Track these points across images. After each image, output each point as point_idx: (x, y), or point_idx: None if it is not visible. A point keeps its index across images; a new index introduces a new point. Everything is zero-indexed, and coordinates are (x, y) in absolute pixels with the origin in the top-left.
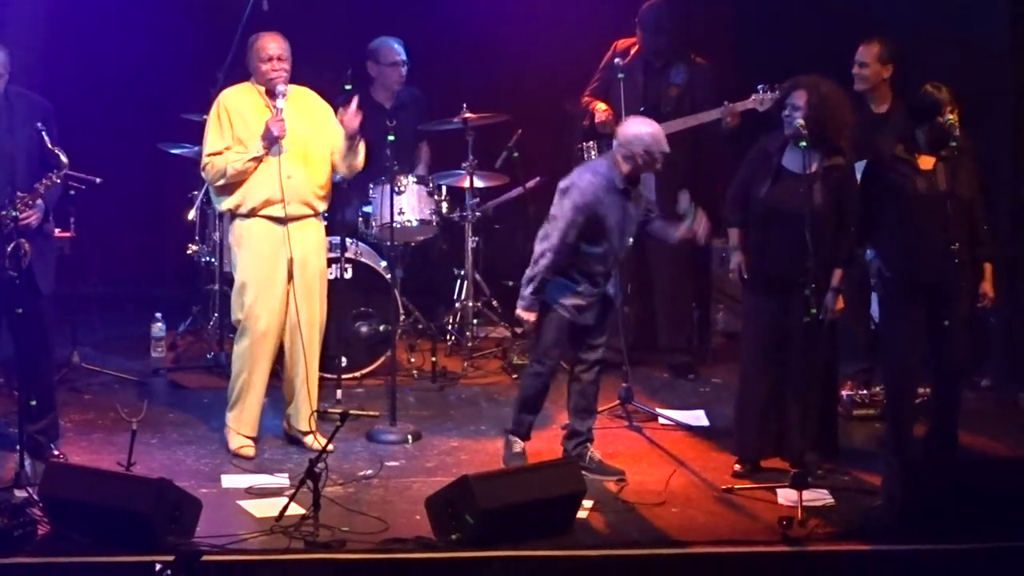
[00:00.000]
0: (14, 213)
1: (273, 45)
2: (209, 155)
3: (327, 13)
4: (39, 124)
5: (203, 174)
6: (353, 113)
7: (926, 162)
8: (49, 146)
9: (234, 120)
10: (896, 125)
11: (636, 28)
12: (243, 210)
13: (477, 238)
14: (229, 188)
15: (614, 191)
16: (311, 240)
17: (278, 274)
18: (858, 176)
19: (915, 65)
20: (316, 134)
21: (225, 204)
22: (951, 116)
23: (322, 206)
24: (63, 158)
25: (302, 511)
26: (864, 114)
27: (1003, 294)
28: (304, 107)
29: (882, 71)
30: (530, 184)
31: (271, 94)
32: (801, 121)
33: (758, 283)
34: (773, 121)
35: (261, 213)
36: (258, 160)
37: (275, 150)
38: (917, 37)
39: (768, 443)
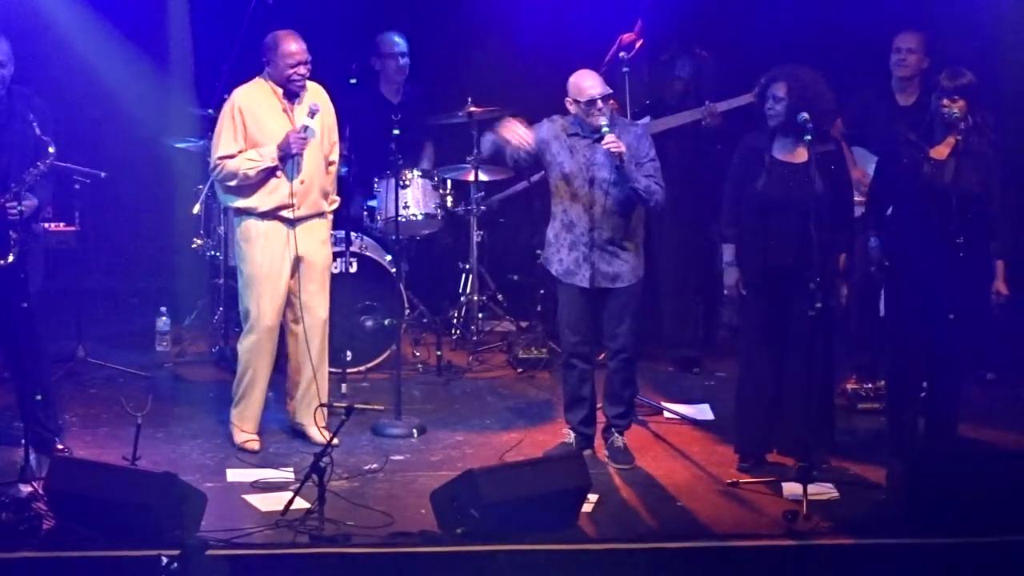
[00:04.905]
0: (0, 200)
1: (300, 49)
2: (221, 157)
3: (332, 7)
4: (30, 115)
5: (213, 174)
6: (297, 137)
7: (939, 152)
8: (37, 133)
9: (248, 121)
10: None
11: (639, 22)
12: (254, 211)
13: (482, 232)
14: (240, 190)
15: (567, 135)
16: (316, 237)
17: (284, 270)
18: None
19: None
20: (327, 135)
21: (235, 204)
22: (954, 105)
23: (327, 207)
24: (50, 147)
25: (307, 505)
26: (890, 106)
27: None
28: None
29: (922, 61)
30: (535, 178)
31: (289, 95)
32: (806, 115)
33: (757, 279)
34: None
35: (272, 216)
36: (272, 170)
37: (290, 161)
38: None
39: (769, 438)
